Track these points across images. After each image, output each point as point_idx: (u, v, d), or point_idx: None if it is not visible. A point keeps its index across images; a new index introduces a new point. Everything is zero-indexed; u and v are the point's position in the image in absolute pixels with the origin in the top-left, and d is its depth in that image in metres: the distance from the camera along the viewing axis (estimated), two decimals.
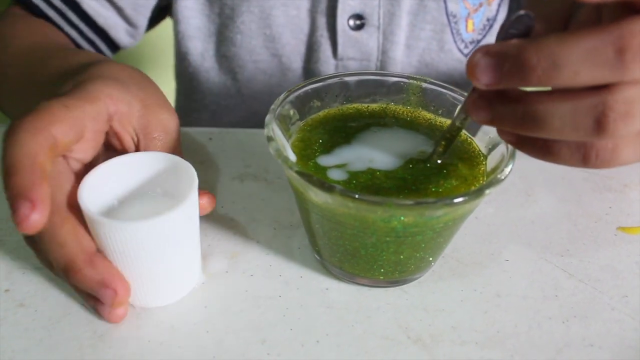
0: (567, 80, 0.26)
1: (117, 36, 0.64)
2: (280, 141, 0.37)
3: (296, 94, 0.40)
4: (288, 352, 0.35)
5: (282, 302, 0.38)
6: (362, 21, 0.61)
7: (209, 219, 0.44)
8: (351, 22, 0.61)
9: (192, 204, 0.35)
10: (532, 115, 0.28)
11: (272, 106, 0.38)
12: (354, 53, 0.63)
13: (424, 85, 0.43)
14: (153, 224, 0.33)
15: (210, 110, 0.71)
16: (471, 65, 0.28)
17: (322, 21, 0.62)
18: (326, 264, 0.40)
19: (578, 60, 0.26)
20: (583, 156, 0.29)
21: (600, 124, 0.27)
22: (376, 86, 0.43)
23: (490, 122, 0.31)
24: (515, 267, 0.42)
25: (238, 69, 0.67)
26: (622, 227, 0.46)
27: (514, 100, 0.29)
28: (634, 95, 0.27)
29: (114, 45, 0.65)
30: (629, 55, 0.25)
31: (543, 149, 0.30)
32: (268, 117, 0.37)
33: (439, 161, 0.38)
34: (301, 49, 0.64)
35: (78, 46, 0.61)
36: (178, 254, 0.36)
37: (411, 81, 0.43)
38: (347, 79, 0.43)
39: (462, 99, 0.41)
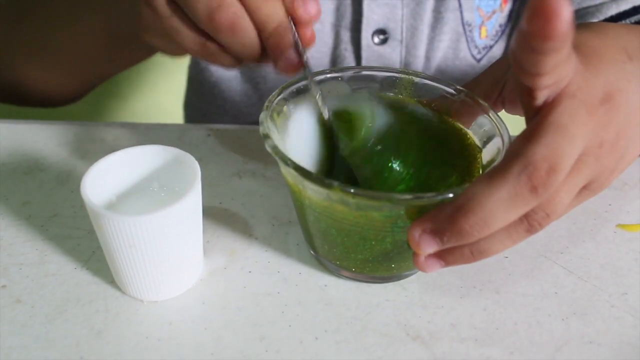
0: (498, 227, 0.31)
1: None
2: (277, 138, 0.37)
3: (289, 90, 0.40)
4: (287, 348, 0.35)
5: (281, 299, 0.38)
6: (386, 36, 0.61)
7: (207, 215, 0.44)
8: (375, 39, 0.61)
9: (195, 197, 0.35)
10: (478, 249, 0.33)
11: (266, 103, 0.38)
12: None
13: (416, 79, 0.42)
14: (157, 217, 0.33)
15: (231, 115, 0.72)
16: (415, 242, 0.32)
17: (346, 35, 0.62)
18: (323, 261, 0.40)
19: (503, 211, 0.30)
20: (526, 230, 0.32)
21: (535, 190, 0.30)
22: (368, 81, 0.43)
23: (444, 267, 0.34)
24: (515, 264, 0.42)
25: (260, 79, 0.67)
26: (622, 225, 0.46)
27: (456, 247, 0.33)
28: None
29: None
30: (540, 189, 0.29)
31: (477, 252, 0.33)
32: (263, 115, 0.37)
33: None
34: (324, 62, 0.64)
35: None
36: (183, 247, 0.36)
37: (403, 76, 0.43)
38: (339, 74, 0.42)
39: (454, 92, 0.41)
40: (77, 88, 0.61)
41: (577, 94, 0.31)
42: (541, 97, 0.31)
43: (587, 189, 0.34)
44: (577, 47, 0.32)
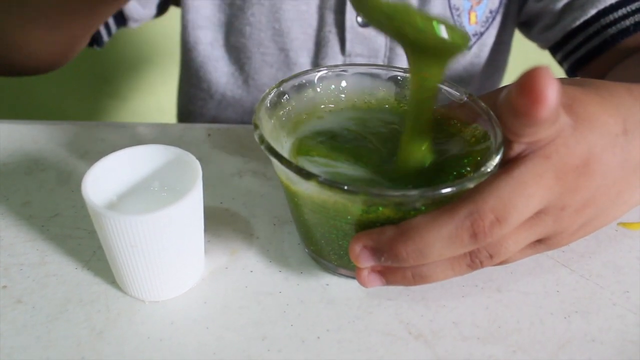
0: (434, 260, 0.31)
1: (128, 6, 0.62)
2: (267, 129, 0.36)
3: (290, 83, 0.40)
4: (289, 348, 0.35)
5: (283, 298, 0.38)
6: None
7: (208, 215, 0.44)
8: (359, 19, 0.61)
9: (196, 197, 0.35)
10: (419, 273, 0.33)
11: (264, 94, 0.38)
12: (361, 49, 0.63)
13: None
14: (158, 216, 0.33)
15: (215, 100, 0.71)
16: (354, 255, 0.33)
17: (330, 17, 0.61)
18: (319, 259, 0.40)
19: (440, 247, 0.31)
20: (468, 265, 0.33)
21: (474, 237, 0.31)
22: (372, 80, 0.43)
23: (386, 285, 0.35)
24: (517, 262, 0.41)
25: (246, 60, 0.67)
26: (623, 223, 0.46)
27: (397, 268, 0.33)
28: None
29: (121, 18, 0.64)
30: (480, 237, 0.30)
31: (418, 276, 0.34)
32: (258, 106, 0.37)
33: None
34: (309, 44, 0.64)
35: None
36: (184, 247, 0.36)
37: (408, 75, 0.42)
38: (342, 71, 0.42)
39: (457, 94, 0.40)
40: (63, 45, 0.58)
41: (553, 156, 0.31)
42: (517, 149, 0.31)
43: (542, 244, 0.35)
44: (576, 107, 0.33)
